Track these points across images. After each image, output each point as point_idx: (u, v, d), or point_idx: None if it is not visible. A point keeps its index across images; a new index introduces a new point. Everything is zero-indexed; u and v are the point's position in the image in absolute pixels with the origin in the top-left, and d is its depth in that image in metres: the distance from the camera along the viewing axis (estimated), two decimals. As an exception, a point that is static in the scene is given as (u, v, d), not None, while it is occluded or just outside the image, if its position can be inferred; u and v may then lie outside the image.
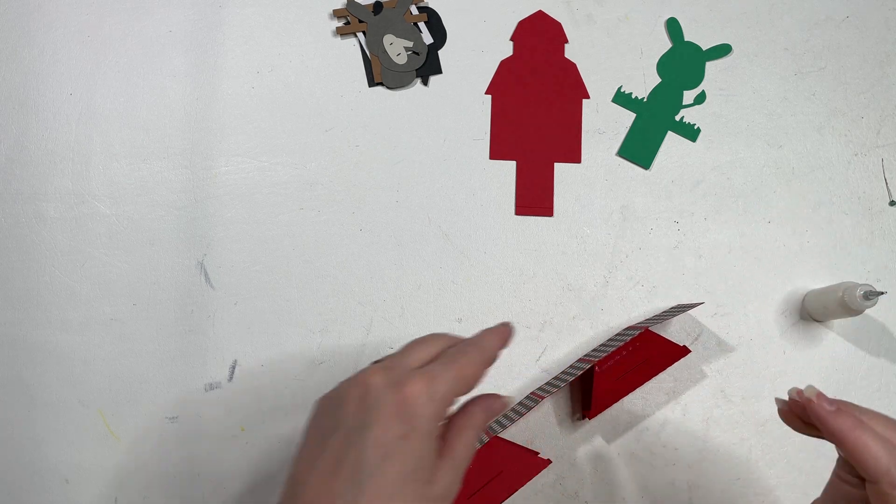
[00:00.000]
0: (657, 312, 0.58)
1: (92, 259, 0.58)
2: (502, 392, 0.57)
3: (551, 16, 0.61)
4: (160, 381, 0.56)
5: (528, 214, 0.59)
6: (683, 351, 0.54)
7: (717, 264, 0.59)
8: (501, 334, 0.41)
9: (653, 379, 0.57)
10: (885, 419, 0.39)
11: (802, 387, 0.39)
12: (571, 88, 0.61)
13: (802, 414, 0.41)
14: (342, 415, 0.35)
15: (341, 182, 0.59)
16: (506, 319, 0.58)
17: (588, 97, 0.61)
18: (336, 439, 0.35)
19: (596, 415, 0.55)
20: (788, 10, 0.62)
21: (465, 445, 0.38)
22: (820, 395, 0.39)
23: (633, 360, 0.54)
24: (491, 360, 0.39)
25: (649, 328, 0.54)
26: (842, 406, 0.39)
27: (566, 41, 0.61)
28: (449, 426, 0.38)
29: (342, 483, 0.33)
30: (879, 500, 0.37)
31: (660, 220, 0.59)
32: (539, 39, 0.61)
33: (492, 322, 0.58)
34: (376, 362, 0.38)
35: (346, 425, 0.35)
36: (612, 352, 0.53)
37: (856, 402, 0.38)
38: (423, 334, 0.40)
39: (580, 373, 0.52)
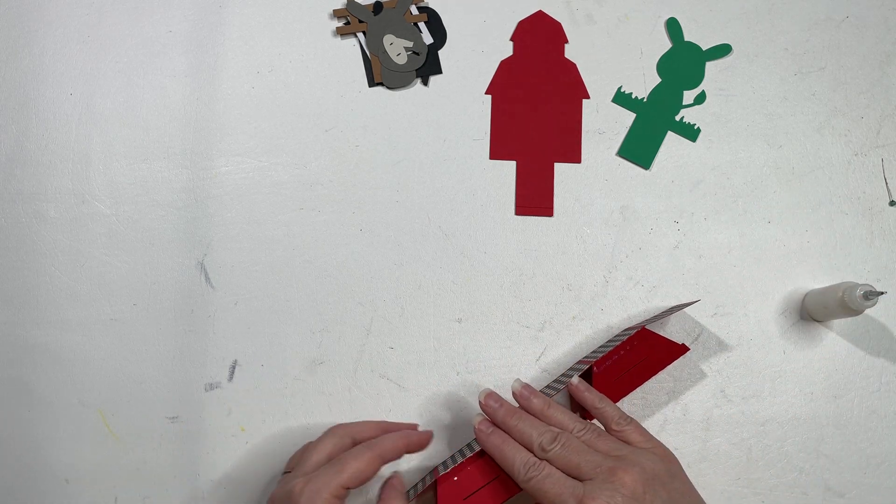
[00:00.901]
0: (656, 312, 0.58)
1: (92, 259, 0.58)
2: (504, 389, 0.57)
3: (551, 16, 0.61)
4: (160, 381, 0.56)
5: (528, 214, 0.59)
6: (682, 349, 0.54)
7: (717, 264, 0.59)
8: (409, 438, 0.49)
9: (653, 379, 0.57)
10: (539, 426, 0.48)
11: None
12: (571, 88, 0.61)
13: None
14: None
15: (341, 182, 0.59)
16: (506, 318, 0.58)
17: (588, 97, 0.61)
18: None
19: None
20: (788, 10, 0.62)
21: None
22: (489, 394, 0.50)
23: (631, 359, 0.54)
24: (385, 459, 0.47)
25: (647, 327, 0.53)
26: (496, 428, 0.49)
27: (566, 41, 0.61)
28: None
29: None
30: (532, 495, 0.45)
31: (660, 220, 0.59)
32: (539, 39, 0.61)
33: (492, 322, 0.58)
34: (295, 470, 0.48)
35: None
36: (610, 352, 0.53)
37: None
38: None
39: (579, 374, 0.52)
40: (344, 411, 0.56)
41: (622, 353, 0.54)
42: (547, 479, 0.44)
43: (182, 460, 0.56)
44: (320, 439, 0.49)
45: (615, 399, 0.53)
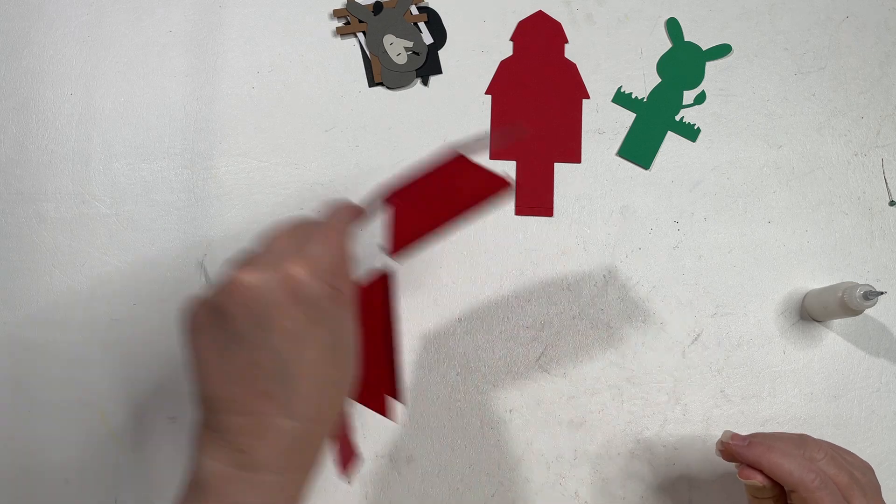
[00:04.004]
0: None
1: (92, 259, 0.58)
2: (503, 389, 0.57)
3: (551, 16, 0.61)
4: (160, 381, 0.56)
5: (528, 214, 0.59)
6: (502, 182, 0.43)
7: (717, 264, 0.59)
8: (348, 209, 0.40)
9: (653, 379, 0.57)
10: (787, 438, 0.48)
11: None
12: (571, 88, 0.61)
13: (735, 458, 0.49)
14: (234, 325, 0.33)
15: (341, 182, 0.59)
16: (506, 318, 0.58)
17: (588, 97, 0.61)
18: (241, 348, 0.33)
19: (398, 251, 0.46)
20: (788, 10, 0.62)
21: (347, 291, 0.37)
22: (734, 435, 0.48)
23: (441, 189, 0.44)
24: (347, 229, 0.38)
25: (463, 154, 0.43)
26: (752, 439, 0.47)
27: (566, 41, 0.61)
28: (335, 273, 0.37)
29: (268, 383, 0.33)
30: (801, 503, 0.45)
31: (660, 220, 0.60)
32: (539, 39, 0.61)
33: (492, 322, 0.58)
34: (239, 261, 0.36)
35: (243, 332, 0.33)
36: (416, 180, 0.44)
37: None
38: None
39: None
40: (344, 411, 0.56)
41: (428, 180, 0.44)
42: (825, 487, 0.44)
43: (182, 460, 0.56)
44: (273, 230, 0.39)
45: (419, 234, 0.45)
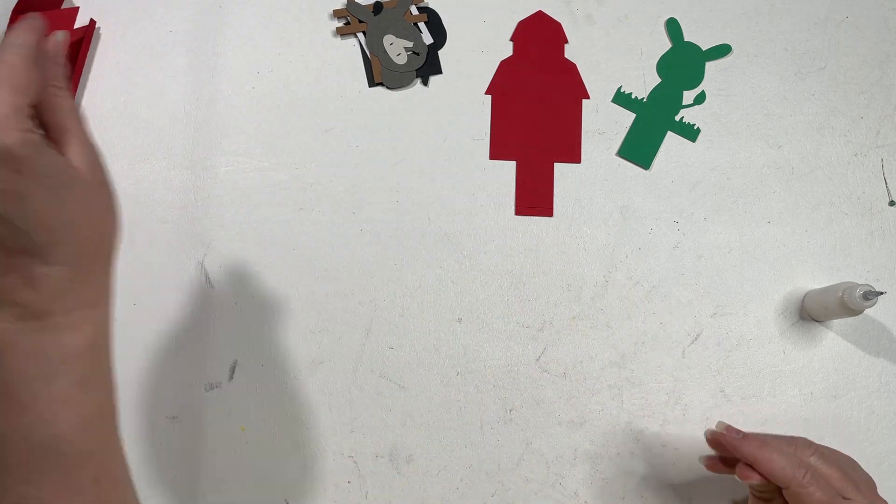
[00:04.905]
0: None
1: (92, 259, 0.57)
2: (503, 389, 0.57)
3: (551, 16, 0.61)
4: (160, 381, 0.56)
5: (528, 214, 0.59)
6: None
7: (717, 264, 0.59)
8: (26, 27, 0.36)
9: (653, 379, 0.57)
10: (781, 438, 0.49)
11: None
12: (571, 88, 0.61)
13: (721, 448, 0.50)
14: None
15: (341, 182, 0.59)
16: (506, 318, 0.58)
17: (588, 97, 0.61)
18: None
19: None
20: (788, 10, 0.62)
21: (70, 117, 0.37)
22: (729, 427, 0.49)
23: None
24: (29, 50, 0.35)
25: None
26: (747, 434, 0.48)
27: (566, 41, 0.61)
28: (48, 124, 0.36)
29: (14, 239, 0.33)
30: (795, 500, 0.46)
31: (660, 220, 0.60)
32: (539, 39, 0.61)
33: (492, 322, 0.58)
34: None
35: None
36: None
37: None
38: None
39: None
40: (344, 411, 0.56)
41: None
42: (816, 483, 0.45)
43: (182, 460, 0.56)
44: None
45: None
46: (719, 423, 0.50)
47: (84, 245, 0.36)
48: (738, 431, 0.49)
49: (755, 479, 0.47)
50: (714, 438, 0.50)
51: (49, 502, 0.35)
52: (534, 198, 0.59)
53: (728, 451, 0.50)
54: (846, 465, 0.49)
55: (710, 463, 0.52)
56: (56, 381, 0.35)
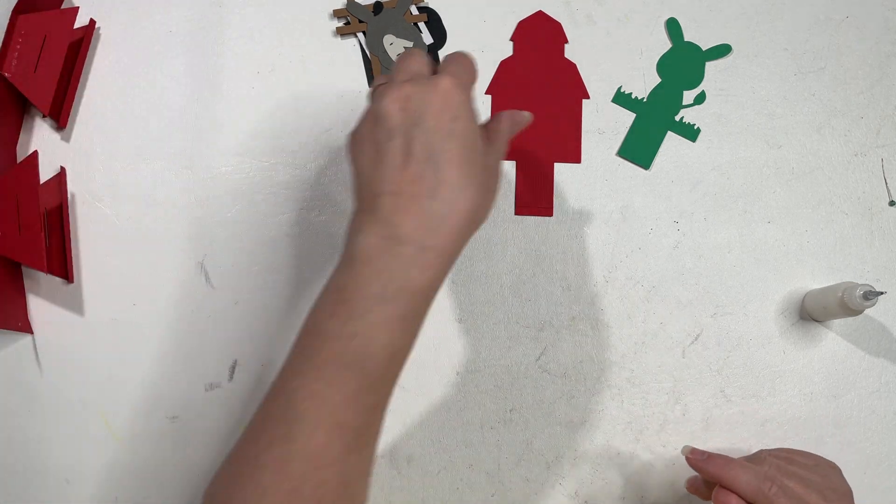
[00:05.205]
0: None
1: (92, 259, 0.58)
2: (503, 388, 0.57)
3: (551, 16, 0.61)
4: (160, 381, 0.56)
5: (528, 214, 0.59)
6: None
7: (717, 264, 0.59)
8: (468, 57, 0.45)
9: (653, 379, 0.57)
10: (745, 456, 0.52)
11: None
12: (571, 88, 0.61)
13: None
14: (391, 125, 0.40)
15: (341, 182, 0.59)
16: (506, 318, 0.58)
17: (588, 97, 0.61)
18: (395, 141, 0.39)
19: None
20: (788, 10, 0.62)
21: (502, 135, 0.44)
22: (693, 450, 0.50)
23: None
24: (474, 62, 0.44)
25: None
26: (711, 454, 0.50)
27: (566, 41, 0.61)
28: (485, 125, 0.44)
29: (420, 166, 0.39)
30: None
31: (660, 220, 0.60)
32: (539, 39, 0.61)
33: (492, 322, 0.58)
34: (380, 84, 0.42)
35: (399, 129, 0.39)
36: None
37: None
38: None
39: None
40: (344, 411, 0.56)
41: None
42: (784, 494, 0.47)
43: (182, 460, 0.56)
44: (408, 56, 0.44)
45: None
46: (685, 447, 0.51)
47: (463, 196, 0.39)
48: (703, 453, 0.50)
49: (732, 502, 0.48)
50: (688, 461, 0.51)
51: (330, 407, 0.38)
52: (534, 197, 0.59)
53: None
54: (816, 471, 0.49)
55: (689, 485, 0.53)
56: (387, 307, 0.38)
